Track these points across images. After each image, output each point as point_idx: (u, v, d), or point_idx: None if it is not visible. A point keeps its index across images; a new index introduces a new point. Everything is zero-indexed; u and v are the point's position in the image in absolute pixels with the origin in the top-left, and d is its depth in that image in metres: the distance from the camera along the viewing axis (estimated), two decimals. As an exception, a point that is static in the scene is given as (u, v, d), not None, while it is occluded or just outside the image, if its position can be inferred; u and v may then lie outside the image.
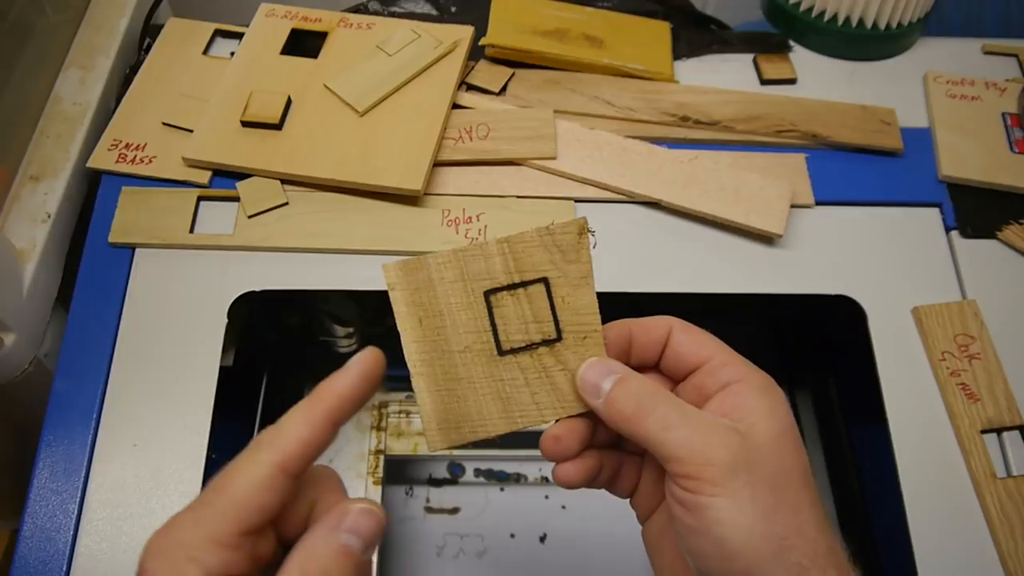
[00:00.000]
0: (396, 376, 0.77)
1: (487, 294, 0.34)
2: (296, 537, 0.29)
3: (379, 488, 0.72)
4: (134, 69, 0.65)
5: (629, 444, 0.37)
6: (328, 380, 0.30)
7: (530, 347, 0.35)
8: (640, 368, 0.36)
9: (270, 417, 0.78)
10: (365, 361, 0.31)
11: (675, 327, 0.36)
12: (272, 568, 0.28)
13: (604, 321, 0.36)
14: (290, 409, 0.29)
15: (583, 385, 0.34)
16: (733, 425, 0.32)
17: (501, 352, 0.35)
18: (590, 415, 0.35)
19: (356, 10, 0.70)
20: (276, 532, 0.30)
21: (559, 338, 0.35)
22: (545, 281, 0.35)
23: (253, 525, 0.28)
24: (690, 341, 0.35)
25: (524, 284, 0.34)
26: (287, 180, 0.58)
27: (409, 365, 0.35)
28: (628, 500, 0.39)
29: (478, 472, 0.76)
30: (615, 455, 0.37)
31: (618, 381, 0.33)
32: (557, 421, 0.35)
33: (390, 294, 0.34)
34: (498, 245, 0.34)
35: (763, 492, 0.31)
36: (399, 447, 0.74)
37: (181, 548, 0.27)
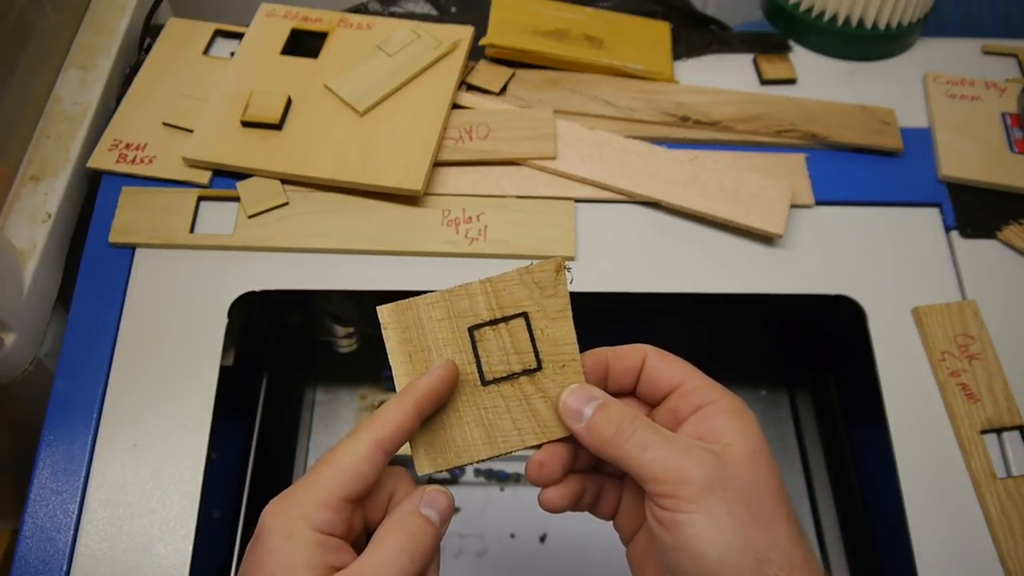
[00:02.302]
0: (396, 376, 0.77)
1: (471, 329, 0.37)
2: (378, 522, 0.34)
3: (379, 488, 0.72)
4: (134, 69, 0.65)
5: (609, 468, 0.39)
6: (415, 380, 0.35)
7: (511, 377, 0.37)
8: (617, 394, 0.37)
9: (270, 417, 0.78)
10: (446, 367, 0.36)
11: (649, 354, 0.37)
12: (359, 544, 0.34)
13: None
14: (384, 403, 0.35)
15: (565, 410, 0.36)
16: (707, 446, 0.34)
17: (484, 382, 0.37)
18: (571, 440, 0.37)
19: (356, 10, 0.70)
20: (363, 515, 0.35)
21: (539, 368, 0.37)
22: (525, 316, 0.37)
23: (354, 492, 0.33)
24: (664, 367, 0.37)
25: (505, 319, 0.37)
26: (287, 180, 0.58)
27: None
28: (612, 522, 0.40)
29: (478, 472, 0.76)
30: (596, 479, 0.39)
31: (599, 407, 0.35)
32: (540, 447, 0.37)
33: (383, 332, 0.37)
34: (481, 285, 0.37)
35: (738, 508, 0.32)
36: (399, 447, 0.74)
37: (295, 508, 0.32)
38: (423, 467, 0.37)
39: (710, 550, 0.31)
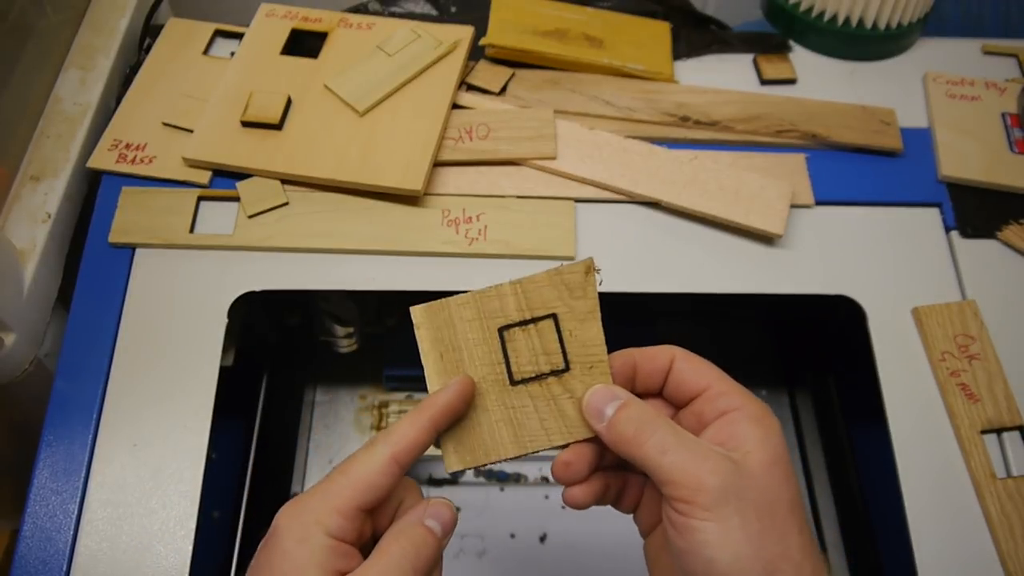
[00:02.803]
0: (397, 376, 0.78)
1: (501, 330, 0.37)
2: (386, 529, 0.35)
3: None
4: (134, 69, 0.65)
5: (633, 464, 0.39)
6: (432, 395, 0.36)
7: (539, 377, 0.37)
8: (644, 395, 0.38)
9: (270, 417, 0.78)
10: (462, 383, 0.36)
11: (677, 356, 0.37)
12: (367, 550, 0.35)
13: (608, 337, 0.37)
14: (401, 417, 0.36)
15: (588, 409, 0.36)
16: (727, 453, 0.34)
17: (513, 382, 0.37)
18: (596, 440, 0.37)
19: (356, 10, 0.70)
20: (372, 525, 0.36)
21: (567, 368, 0.37)
22: (554, 317, 0.37)
23: (367, 502, 0.34)
24: (691, 369, 0.37)
25: (535, 320, 0.37)
26: (287, 180, 0.58)
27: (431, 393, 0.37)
28: (631, 515, 0.40)
29: (478, 472, 0.76)
30: (620, 474, 0.39)
31: (620, 406, 0.35)
32: (566, 446, 0.37)
33: (416, 332, 0.37)
34: (511, 286, 0.37)
35: (751, 518, 0.32)
36: (399, 447, 0.74)
37: (310, 513, 0.33)
38: (452, 464, 0.37)
39: (721, 556, 0.32)
